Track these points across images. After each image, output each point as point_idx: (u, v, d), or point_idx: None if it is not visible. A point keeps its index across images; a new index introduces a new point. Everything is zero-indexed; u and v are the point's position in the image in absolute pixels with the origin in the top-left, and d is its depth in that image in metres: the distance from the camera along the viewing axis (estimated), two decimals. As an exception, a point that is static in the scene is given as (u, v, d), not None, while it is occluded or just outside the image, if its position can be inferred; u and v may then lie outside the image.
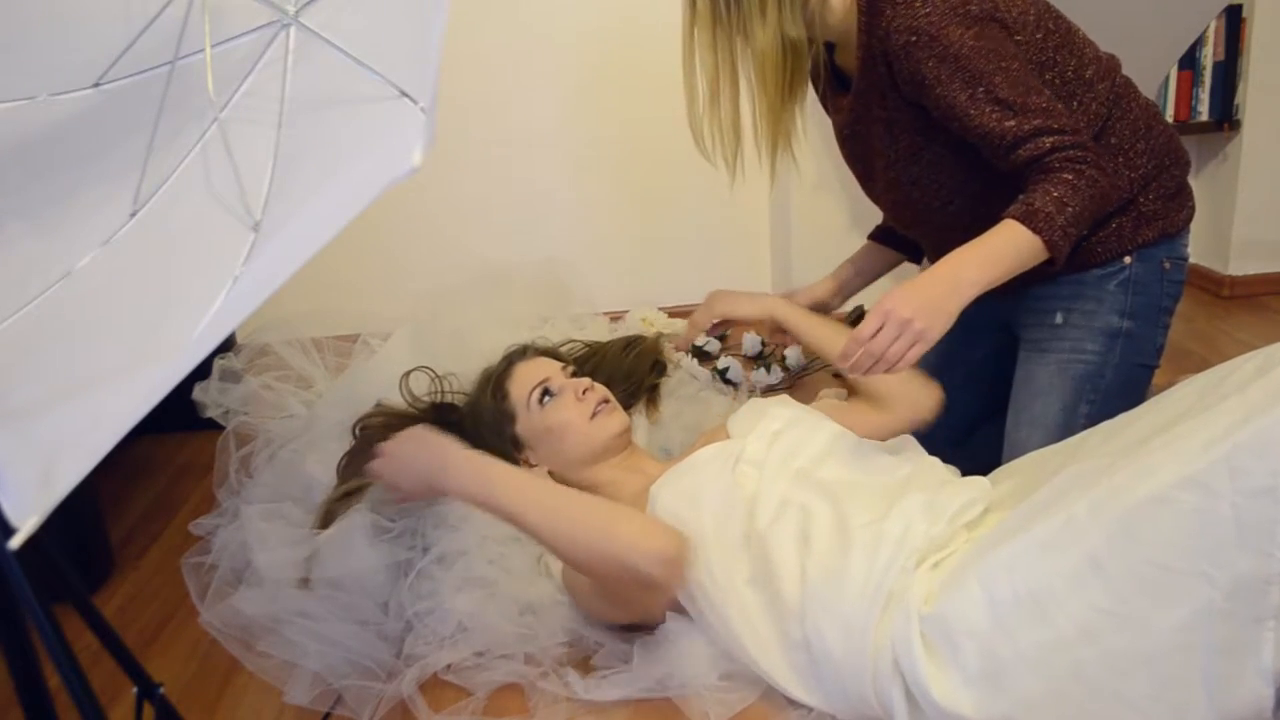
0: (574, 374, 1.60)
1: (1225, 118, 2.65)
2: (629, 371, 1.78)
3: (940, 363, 1.64)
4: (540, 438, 1.52)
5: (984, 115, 1.28)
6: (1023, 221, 1.24)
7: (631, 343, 1.86)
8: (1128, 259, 1.43)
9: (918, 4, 1.30)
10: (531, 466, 1.55)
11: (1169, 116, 2.66)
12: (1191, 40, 1.92)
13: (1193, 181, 2.80)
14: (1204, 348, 2.39)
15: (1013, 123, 1.27)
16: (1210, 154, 2.78)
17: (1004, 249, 1.25)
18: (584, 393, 1.51)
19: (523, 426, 1.54)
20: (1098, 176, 1.25)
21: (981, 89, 1.28)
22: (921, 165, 1.44)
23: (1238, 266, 2.72)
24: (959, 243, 1.30)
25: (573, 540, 1.21)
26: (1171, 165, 1.45)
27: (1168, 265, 1.46)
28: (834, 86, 1.51)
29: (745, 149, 1.48)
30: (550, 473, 1.55)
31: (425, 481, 1.25)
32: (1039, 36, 1.35)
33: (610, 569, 1.20)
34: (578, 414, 1.49)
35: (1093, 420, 1.44)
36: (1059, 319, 1.46)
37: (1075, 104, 1.37)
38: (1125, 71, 1.91)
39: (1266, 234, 2.69)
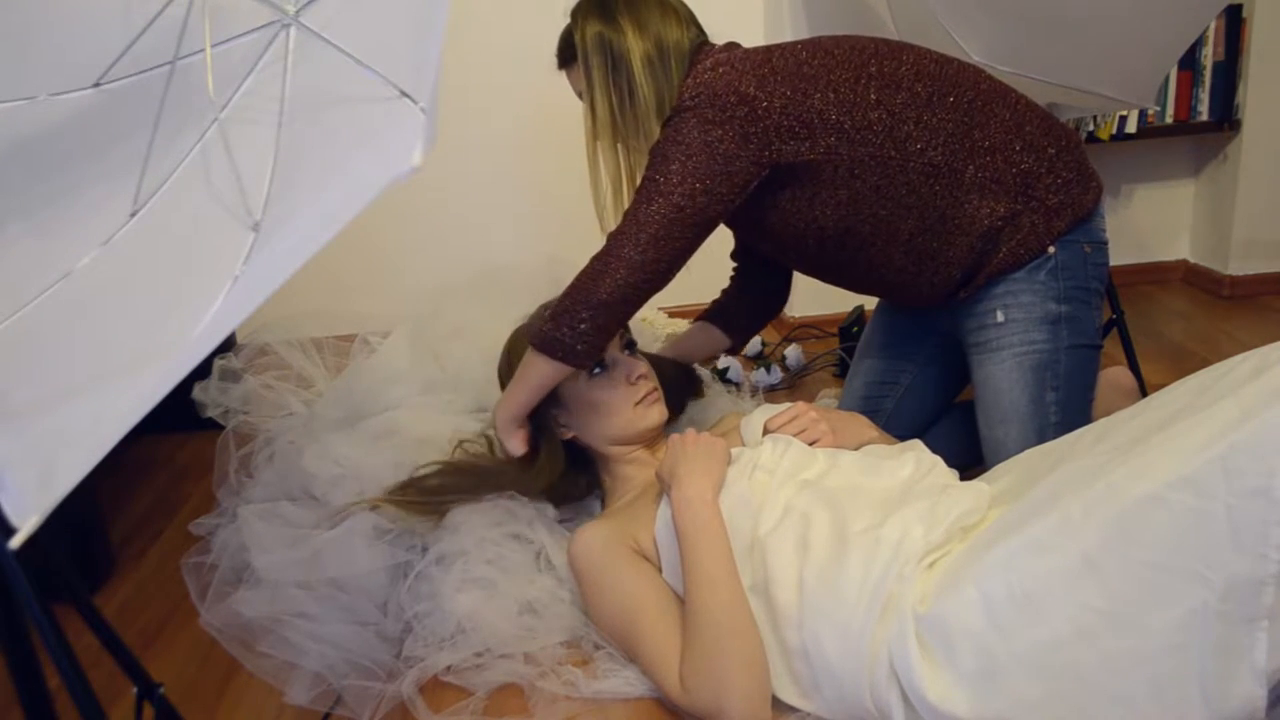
0: (627, 344, 1.57)
1: (1225, 118, 2.65)
2: (673, 391, 1.77)
3: (885, 377, 1.80)
4: (581, 405, 1.51)
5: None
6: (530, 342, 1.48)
7: (684, 367, 1.85)
8: (1050, 249, 1.48)
9: (685, 103, 1.42)
10: (560, 427, 1.55)
11: (1169, 117, 2.66)
12: (1191, 40, 1.92)
13: (1193, 181, 2.85)
14: (1204, 348, 2.39)
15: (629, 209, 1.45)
16: (1210, 154, 2.78)
17: (522, 375, 1.50)
18: (637, 378, 1.51)
19: (566, 388, 1.52)
20: (618, 272, 1.41)
21: (650, 165, 1.44)
22: (765, 230, 1.56)
23: (1238, 266, 2.72)
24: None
25: (698, 611, 1.20)
26: (1059, 153, 1.49)
27: (1088, 249, 1.51)
28: None
29: None
30: (574, 438, 1.54)
31: (672, 469, 1.31)
32: (858, 90, 1.44)
33: (698, 679, 1.18)
34: (625, 398, 1.49)
35: (1064, 407, 1.48)
36: (1000, 317, 1.50)
37: (911, 124, 1.44)
38: (1125, 71, 1.91)
39: (1266, 234, 2.69)
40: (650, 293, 1.47)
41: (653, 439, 1.54)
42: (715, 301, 1.88)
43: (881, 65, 1.46)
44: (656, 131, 1.47)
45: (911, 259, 1.51)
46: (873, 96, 1.43)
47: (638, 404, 1.49)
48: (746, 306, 1.86)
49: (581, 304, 1.41)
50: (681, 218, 1.42)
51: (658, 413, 1.51)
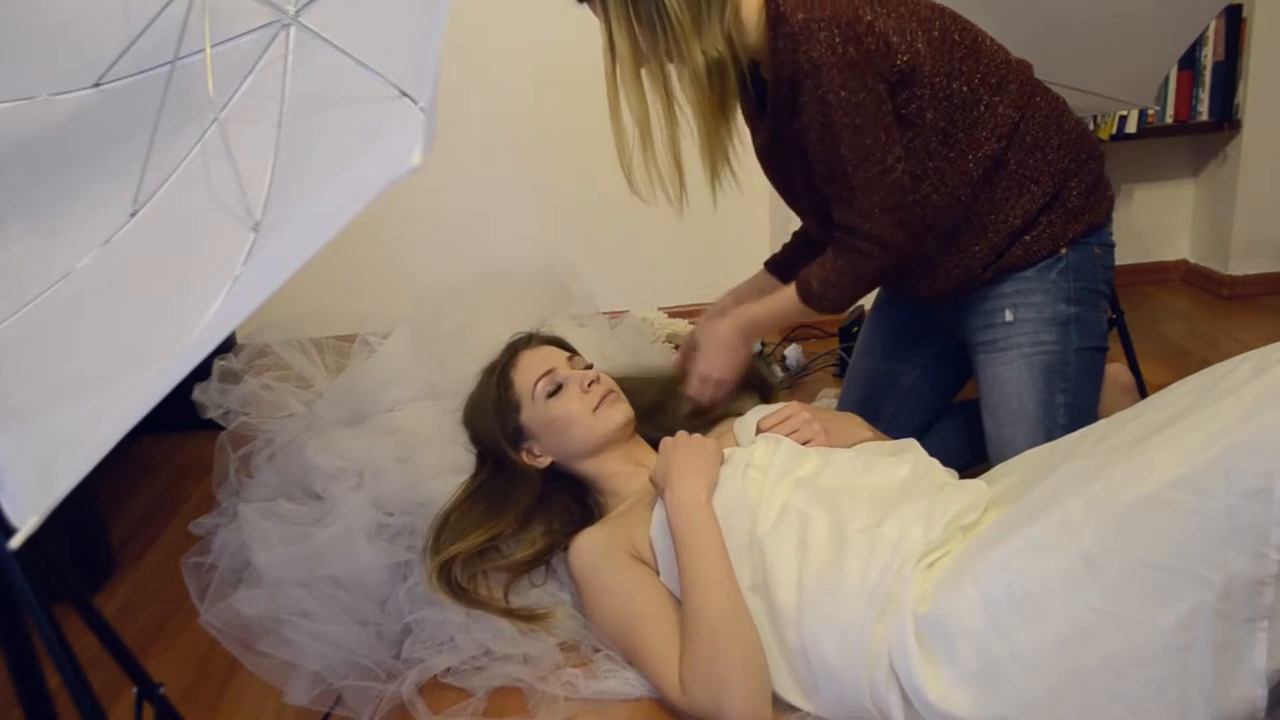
0: (583, 365, 1.58)
1: (1225, 118, 2.65)
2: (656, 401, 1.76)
3: (885, 378, 1.79)
4: (545, 429, 1.52)
5: (821, 163, 1.41)
6: (798, 292, 1.52)
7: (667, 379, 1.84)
8: (1063, 249, 1.47)
9: (812, 38, 1.31)
10: (536, 457, 1.55)
11: (1169, 117, 2.66)
12: (1191, 40, 1.92)
13: (1193, 181, 2.84)
14: (1204, 348, 2.39)
15: (831, 189, 1.41)
16: (1210, 154, 2.78)
17: (774, 309, 1.56)
18: (589, 385, 1.51)
19: (527, 417, 1.53)
20: (866, 266, 1.43)
21: (830, 142, 1.36)
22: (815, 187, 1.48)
23: (1238, 266, 2.72)
24: None
25: (695, 613, 1.20)
26: (1088, 158, 1.49)
27: (1098, 251, 1.50)
28: (754, 106, 1.52)
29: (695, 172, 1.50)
30: (554, 463, 1.54)
31: (665, 472, 1.31)
32: (945, 50, 1.39)
33: (697, 680, 1.18)
34: (582, 406, 1.49)
35: (1072, 409, 1.47)
36: (1009, 316, 1.49)
37: (983, 108, 1.42)
38: (1125, 71, 1.91)
39: (1266, 234, 2.69)
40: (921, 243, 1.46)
41: (626, 440, 1.53)
42: (779, 251, 1.82)
43: (962, 32, 1.41)
44: (698, 52, 1.35)
45: (942, 245, 1.50)
46: (958, 64, 1.39)
47: (596, 409, 1.49)
48: (807, 261, 1.78)
49: (852, 282, 1.45)
50: (908, 182, 1.39)
51: (620, 411, 1.50)
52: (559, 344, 1.64)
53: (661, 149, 1.44)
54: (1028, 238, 1.47)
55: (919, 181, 1.43)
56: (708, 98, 1.39)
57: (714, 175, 1.49)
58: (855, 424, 1.53)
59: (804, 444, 1.41)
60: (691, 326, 2.66)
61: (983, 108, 1.41)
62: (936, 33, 1.38)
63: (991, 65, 1.42)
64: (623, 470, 1.50)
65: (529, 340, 1.62)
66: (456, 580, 1.42)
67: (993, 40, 1.47)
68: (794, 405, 1.49)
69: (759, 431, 1.46)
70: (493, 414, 1.55)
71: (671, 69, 1.39)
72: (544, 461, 1.54)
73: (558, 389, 1.51)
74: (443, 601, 1.39)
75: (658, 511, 1.31)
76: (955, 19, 1.43)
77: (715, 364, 1.60)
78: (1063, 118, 1.48)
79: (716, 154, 1.48)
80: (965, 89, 1.40)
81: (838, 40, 1.30)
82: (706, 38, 1.34)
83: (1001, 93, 1.42)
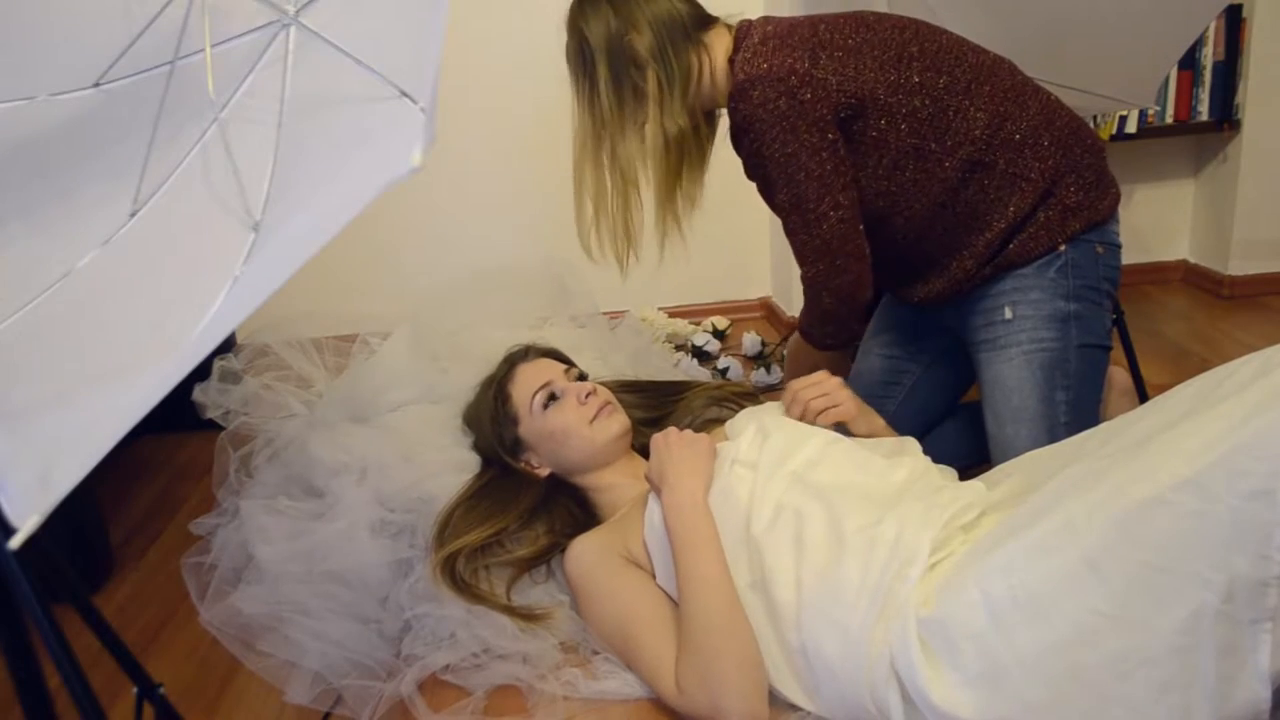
0: (578, 376, 1.59)
1: (1225, 118, 2.65)
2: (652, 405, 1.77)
3: (889, 377, 1.79)
4: (542, 441, 1.52)
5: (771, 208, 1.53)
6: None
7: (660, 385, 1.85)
8: (1062, 246, 1.48)
9: (745, 96, 1.41)
10: (534, 469, 1.55)
11: (1169, 117, 2.66)
12: (1191, 40, 1.92)
13: (1193, 181, 2.84)
14: (1204, 348, 2.39)
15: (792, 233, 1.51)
16: (1210, 154, 2.78)
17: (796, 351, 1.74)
18: (586, 397, 1.51)
19: (525, 430, 1.54)
20: (819, 306, 1.57)
21: (769, 190, 1.48)
22: None
23: (1238, 266, 2.72)
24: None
25: (693, 614, 1.20)
26: (1084, 154, 1.49)
27: (1100, 249, 1.50)
28: None
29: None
30: (552, 474, 1.55)
31: (661, 471, 1.31)
32: (900, 69, 1.43)
33: (694, 680, 1.18)
34: (579, 418, 1.49)
35: (1073, 407, 1.47)
36: (1008, 314, 1.50)
37: (952, 114, 1.44)
38: (1125, 71, 1.91)
39: (1266, 234, 2.69)
40: (868, 283, 1.54)
41: (624, 452, 1.53)
42: None
43: (923, 45, 1.44)
44: (639, 137, 1.47)
45: (937, 248, 1.51)
46: (915, 79, 1.42)
47: (592, 421, 1.49)
48: None
49: (818, 320, 1.61)
50: (847, 228, 1.45)
51: (617, 423, 1.50)
52: (556, 356, 1.64)
53: (617, 220, 1.55)
54: (1024, 234, 1.47)
55: (895, 199, 1.46)
56: (658, 170, 1.52)
57: (661, 233, 1.59)
58: (881, 422, 1.51)
59: (832, 408, 1.40)
60: (692, 327, 2.67)
61: (952, 114, 1.43)
62: (891, 54, 1.43)
63: (957, 72, 1.44)
64: (620, 483, 1.50)
65: (526, 353, 1.63)
66: (460, 574, 1.42)
67: (963, 44, 1.48)
68: (826, 373, 1.46)
69: (787, 391, 1.44)
70: (491, 427, 1.57)
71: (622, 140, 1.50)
72: (543, 472, 1.55)
73: (555, 400, 1.51)
74: (445, 595, 1.39)
75: (650, 512, 1.31)
76: (918, 34, 1.46)
77: (791, 372, 1.83)
78: (1055, 116, 1.48)
79: (666, 216, 1.58)
80: (928, 102, 1.42)
81: (770, 94, 1.38)
82: (665, 114, 1.46)
83: (972, 96, 1.43)
